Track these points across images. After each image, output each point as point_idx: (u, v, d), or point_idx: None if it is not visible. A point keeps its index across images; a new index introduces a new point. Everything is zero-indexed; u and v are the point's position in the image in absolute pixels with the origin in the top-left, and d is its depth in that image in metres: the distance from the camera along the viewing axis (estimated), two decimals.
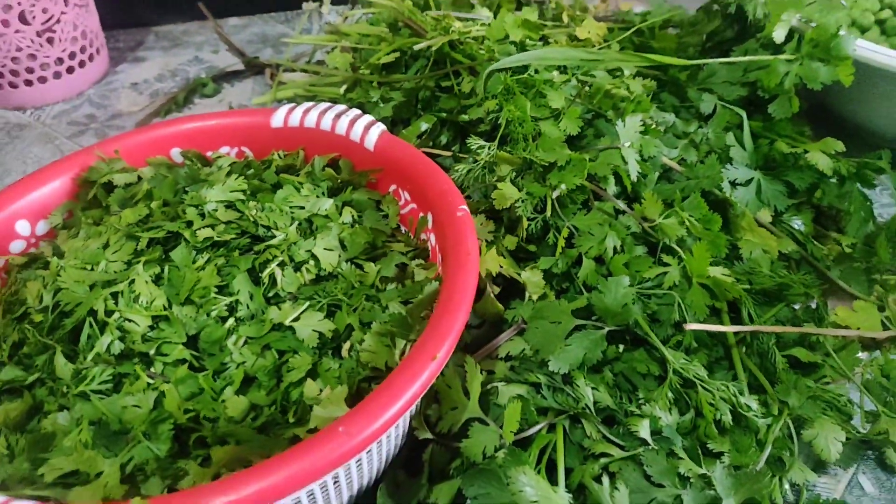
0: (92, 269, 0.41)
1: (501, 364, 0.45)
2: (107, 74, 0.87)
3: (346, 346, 0.41)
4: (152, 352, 0.38)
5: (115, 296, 0.39)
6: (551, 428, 0.42)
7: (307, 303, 0.41)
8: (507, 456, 0.39)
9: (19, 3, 0.74)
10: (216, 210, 0.44)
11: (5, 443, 0.37)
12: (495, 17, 0.70)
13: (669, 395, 0.41)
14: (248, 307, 0.40)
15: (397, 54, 0.67)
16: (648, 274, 0.46)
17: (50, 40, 0.79)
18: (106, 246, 0.42)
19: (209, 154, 0.53)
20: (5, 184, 0.70)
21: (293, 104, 0.53)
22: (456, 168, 0.50)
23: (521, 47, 0.63)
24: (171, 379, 0.38)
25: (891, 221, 0.52)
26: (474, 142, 0.49)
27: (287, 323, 0.40)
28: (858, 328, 0.51)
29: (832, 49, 0.55)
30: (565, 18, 0.70)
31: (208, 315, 0.40)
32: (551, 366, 0.42)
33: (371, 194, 0.49)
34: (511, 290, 0.49)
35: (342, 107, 0.52)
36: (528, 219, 0.48)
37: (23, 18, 0.76)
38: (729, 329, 0.44)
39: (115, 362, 0.38)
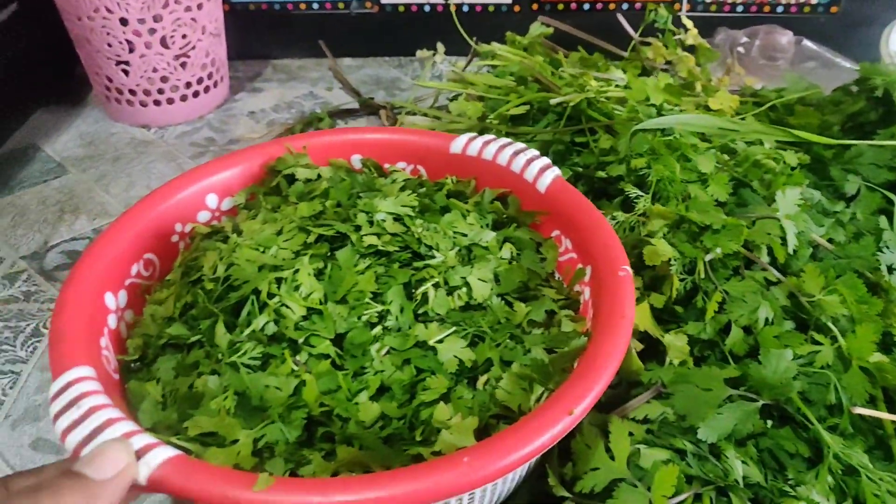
0: (263, 252, 0.43)
1: (639, 426, 0.43)
2: (227, 101, 0.89)
3: (483, 379, 0.41)
4: (301, 340, 0.40)
5: (279, 281, 0.41)
6: (696, 498, 0.40)
7: (453, 328, 0.41)
8: None
9: (163, 28, 0.77)
10: (384, 220, 0.45)
11: (161, 391, 0.40)
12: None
13: (829, 479, 0.39)
14: (396, 319, 0.41)
15: (527, 107, 0.68)
16: (800, 351, 0.44)
17: (183, 65, 0.81)
18: (279, 233, 0.44)
19: (386, 166, 0.54)
20: (130, 196, 0.72)
21: (474, 134, 0.54)
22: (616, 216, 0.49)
23: (660, 111, 0.63)
24: (312, 370, 0.39)
25: None
26: (632, 190, 0.49)
27: (431, 343, 0.40)
28: None
29: None
30: (698, 87, 0.70)
31: (359, 318, 0.40)
32: (700, 433, 0.40)
33: (533, 235, 0.49)
34: (647, 351, 0.48)
35: (521, 145, 0.53)
36: (679, 279, 0.47)
37: (164, 42, 0.79)
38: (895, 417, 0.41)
39: (267, 342, 0.40)
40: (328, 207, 0.46)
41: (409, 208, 0.45)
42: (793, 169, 0.53)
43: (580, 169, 0.59)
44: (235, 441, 0.37)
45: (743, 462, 0.40)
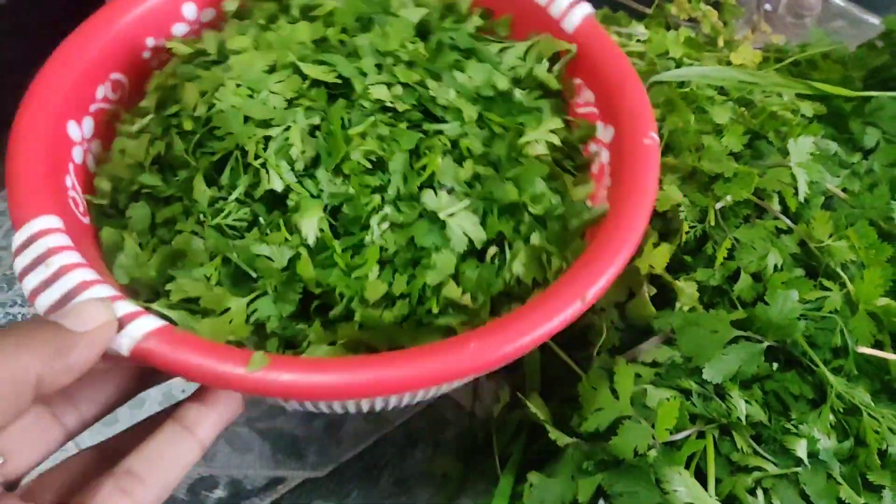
0: (252, 97, 0.38)
1: (647, 369, 0.44)
2: None
3: (492, 251, 0.38)
4: (292, 204, 0.36)
5: (266, 140, 0.37)
6: (699, 436, 0.41)
7: (466, 200, 0.38)
8: (659, 455, 0.39)
9: None
10: (396, 65, 0.40)
11: (137, 240, 0.37)
12: None
13: (831, 418, 0.40)
14: (398, 190, 0.37)
15: None
16: (808, 296, 0.45)
17: None
18: (272, 70, 0.40)
19: None
20: None
21: None
22: None
23: (679, 64, 0.63)
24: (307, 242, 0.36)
25: None
26: None
27: (441, 216, 0.37)
28: None
29: None
30: (720, 42, 0.69)
31: (357, 187, 0.37)
32: (705, 374, 0.41)
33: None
34: (657, 298, 0.48)
35: None
36: (689, 227, 0.48)
37: None
38: None
39: (253, 203, 0.37)
40: (330, 36, 0.41)
41: (424, 55, 0.41)
42: (809, 121, 0.53)
43: None
44: (225, 311, 0.34)
45: (747, 402, 0.41)
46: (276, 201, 0.37)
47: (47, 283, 0.30)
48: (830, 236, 0.45)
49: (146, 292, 0.37)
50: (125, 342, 0.30)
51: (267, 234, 0.36)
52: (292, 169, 0.37)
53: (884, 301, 0.44)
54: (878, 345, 0.45)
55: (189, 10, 0.45)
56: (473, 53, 0.44)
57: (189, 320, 0.34)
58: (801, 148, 0.48)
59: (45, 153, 0.36)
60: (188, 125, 0.38)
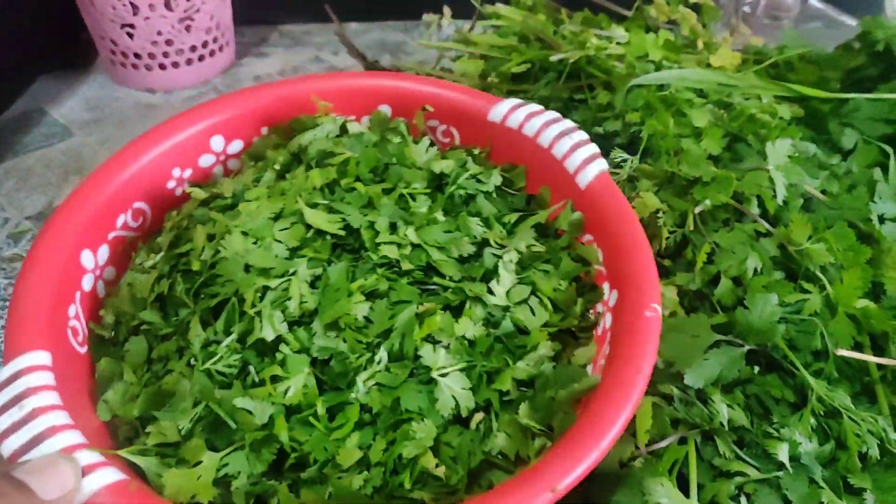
0: (256, 244, 0.39)
1: None
2: (232, 65, 0.90)
3: (478, 417, 0.37)
4: (279, 356, 0.36)
5: (265, 289, 0.38)
6: (682, 442, 0.41)
7: (462, 363, 0.37)
8: (643, 465, 0.38)
9: None
10: (409, 225, 0.41)
11: (131, 378, 0.38)
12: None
13: (812, 421, 0.40)
14: (392, 349, 0.37)
15: (528, 65, 0.68)
16: (788, 299, 0.45)
17: (188, 28, 0.82)
18: (278, 217, 0.40)
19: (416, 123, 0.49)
20: None
21: (520, 101, 0.48)
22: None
23: (658, 67, 0.63)
24: (287, 398, 0.35)
25: None
26: (617, 154, 0.49)
27: (434, 374, 0.36)
28: None
29: None
30: (700, 45, 0.69)
31: (345, 341, 0.37)
32: (687, 379, 0.41)
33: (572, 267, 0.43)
34: None
35: (570, 124, 0.47)
36: (669, 232, 0.48)
37: (168, 5, 0.79)
38: (879, 360, 0.42)
39: (243, 350, 0.37)
40: (343, 185, 0.42)
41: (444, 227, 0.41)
42: (788, 123, 0.53)
43: (578, 124, 0.59)
44: (198, 463, 0.34)
45: (729, 406, 0.41)
46: (267, 349, 0.37)
47: (17, 426, 0.31)
48: (809, 239, 0.45)
49: (126, 430, 0.37)
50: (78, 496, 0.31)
51: (252, 387, 0.36)
52: (285, 320, 0.37)
53: (863, 303, 0.44)
54: (857, 347, 0.45)
55: (217, 143, 0.46)
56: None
57: (159, 468, 0.34)
58: (779, 151, 0.48)
59: (52, 284, 0.37)
60: (195, 266, 0.39)
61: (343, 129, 0.48)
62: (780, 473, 0.39)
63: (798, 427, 0.40)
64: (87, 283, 0.41)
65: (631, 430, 0.40)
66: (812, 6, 0.81)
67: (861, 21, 0.64)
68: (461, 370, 0.37)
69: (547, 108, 0.63)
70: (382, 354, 0.36)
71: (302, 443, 0.35)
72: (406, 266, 0.39)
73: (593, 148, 0.45)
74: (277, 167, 0.45)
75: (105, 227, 0.42)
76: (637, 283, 0.38)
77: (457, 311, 0.39)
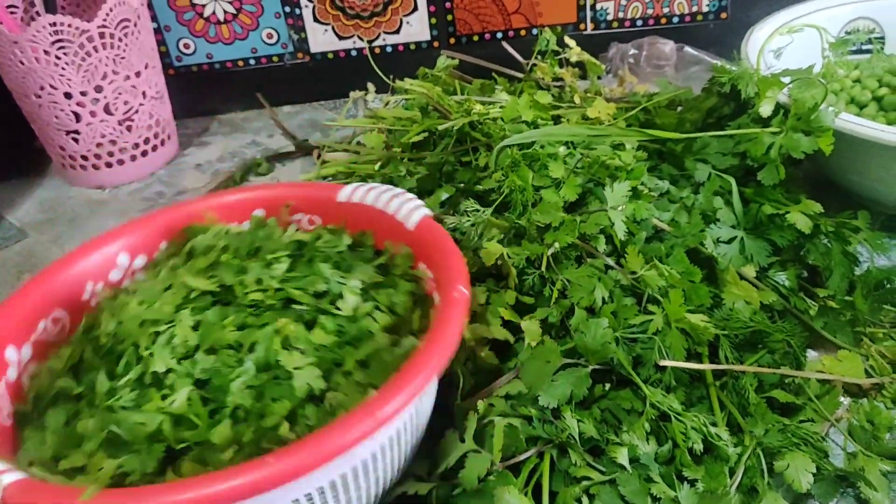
0: (148, 308, 0.47)
1: (501, 400, 0.50)
2: (176, 157, 0.98)
3: (331, 396, 0.44)
4: (168, 382, 0.43)
5: (156, 335, 0.45)
6: (540, 456, 0.47)
7: (313, 358, 0.45)
8: (496, 478, 0.44)
9: (105, 97, 0.86)
10: (271, 279, 0.49)
11: (50, 437, 0.43)
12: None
13: (646, 425, 0.46)
14: (258, 360, 0.44)
15: (426, 134, 0.76)
16: (634, 321, 0.51)
17: (129, 128, 0.90)
18: (168, 288, 0.49)
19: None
20: None
21: (359, 183, 0.60)
22: (449, 223, 0.57)
23: (534, 126, 0.70)
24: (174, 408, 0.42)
25: (865, 275, 0.57)
26: (469, 204, 0.56)
27: (290, 368, 0.44)
28: (843, 376, 0.55)
29: (812, 122, 0.61)
30: (577, 100, 0.77)
31: (223, 363, 0.44)
32: (541, 400, 0.47)
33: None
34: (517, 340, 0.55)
35: (399, 190, 0.58)
36: (527, 273, 0.55)
37: (107, 110, 0.87)
38: (701, 367, 0.48)
39: (139, 386, 0.44)
40: (223, 262, 0.50)
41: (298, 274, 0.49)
42: (630, 168, 0.59)
43: (462, 185, 0.66)
44: (99, 470, 0.40)
45: (580, 421, 0.47)
46: (160, 381, 0.44)
47: None
48: (644, 267, 0.52)
49: (41, 470, 0.43)
50: None
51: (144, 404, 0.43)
52: (174, 356, 0.44)
53: (693, 317, 0.50)
54: (696, 356, 0.52)
55: (123, 259, 0.56)
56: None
57: (63, 481, 0.41)
58: (617, 193, 0.55)
59: None
60: (103, 340, 0.47)
61: (227, 232, 0.57)
62: (618, 474, 0.44)
63: (635, 431, 0.46)
64: (11, 373, 0.48)
65: (489, 449, 0.46)
66: (688, 52, 0.90)
67: (713, 66, 0.72)
68: (312, 364, 0.44)
69: (441, 170, 0.71)
70: (248, 366, 0.44)
71: (186, 440, 0.41)
72: (270, 302, 0.47)
73: (417, 201, 0.56)
74: (171, 264, 0.53)
75: (28, 330, 0.50)
76: (450, 281, 0.47)
77: (311, 325, 0.47)
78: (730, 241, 0.57)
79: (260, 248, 0.52)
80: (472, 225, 0.57)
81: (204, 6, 1.00)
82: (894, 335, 0.58)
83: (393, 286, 0.51)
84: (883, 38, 0.90)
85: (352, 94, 1.08)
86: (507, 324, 0.54)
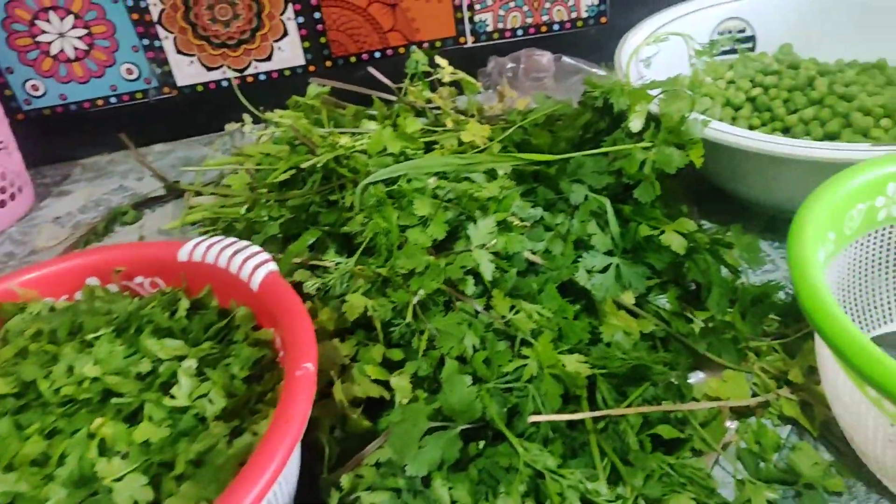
0: None
1: (371, 470, 0.46)
2: (31, 210, 0.90)
3: None
4: None
5: None
6: None
7: (138, 462, 0.40)
8: None
9: None
10: (88, 365, 0.44)
11: None
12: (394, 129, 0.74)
13: (521, 487, 0.43)
14: (71, 475, 0.39)
15: (293, 171, 0.71)
16: (508, 368, 0.48)
17: None
18: None
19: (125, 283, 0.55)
20: None
21: (200, 239, 0.55)
22: (308, 283, 0.52)
23: (405, 157, 0.67)
24: None
25: (742, 291, 0.55)
26: (331, 256, 0.52)
27: (107, 482, 0.39)
28: (729, 398, 0.53)
29: (682, 134, 0.59)
30: (449, 124, 0.74)
31: (28, 483, 0.38)
32: (408, 470, 0.44)
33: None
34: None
35: (244, 244, 0.54)
36: (394, 324, 0.51)
37: None
38: (573, 417, 0.45)
39: None
40: (31, 351, 0.45)
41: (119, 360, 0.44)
42: (500, 198, 0.56)
43: (327, 227, 0.62)
44: None
45: (451, 488, 0.43)
46: None
47: None
48: (512, 309, 0.49)
49: None
50: None
51: None
52: None
53: (569, 360, 0.47)
54: (576, 399, 0.49)
55: None
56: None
57: None
58: (482, 230, 0.51)
59: None
60: None
61: (52, 309, 0.51)
62: None
63: (511, 496, 0.43)
64: None
65: None
66: (566, 62, 0.88)
67: (585, 80, 0.70)
68: (136, 470, 0.39)
69: (308, 210, 0.67)
70: (59, 490, 0.38)
71: None
72: (84, 397, 0.42)
73: (263, 256, 0.52)
74: None
75: None
76: (294, 351, 0.43)
77: (135, 417, 0.42)
78: (605, 269, 0.54)
79: (82, 325, 0.47)
80: (338, 276, 0.53)
81: (50, 44, 0.93)
82: (777, 347, 0.57)
83: (235, 355, 0.46)
84: (753, 37, 0.90)
85: (227, 126, 1.02)
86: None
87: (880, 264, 0.57)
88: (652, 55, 0.72)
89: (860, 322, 0.58)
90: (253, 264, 0.51)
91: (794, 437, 0.53)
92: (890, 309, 0.59)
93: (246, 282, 0.50)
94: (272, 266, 0.51)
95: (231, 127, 1.01)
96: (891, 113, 0.72)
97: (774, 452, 0.51)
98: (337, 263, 0.53)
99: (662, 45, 0.75)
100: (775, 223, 0.74)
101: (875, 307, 0.59)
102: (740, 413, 0.54)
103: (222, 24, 0.94)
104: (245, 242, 0.53)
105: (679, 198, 0.68)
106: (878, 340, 0.57)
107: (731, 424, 0.52)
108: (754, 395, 0.54)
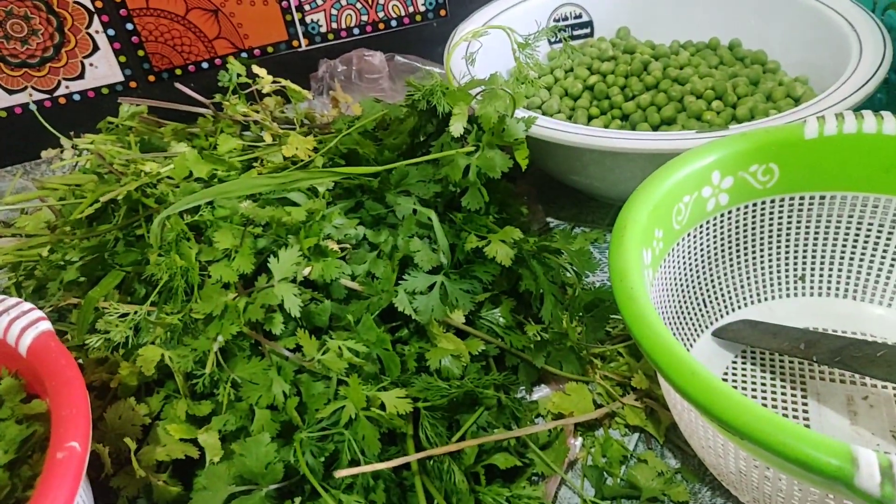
0: None
1: None
2: None
3: None
4: None
5: None
6: None
7: None
8: None
9: None
10: None
11: None
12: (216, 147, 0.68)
13: None
14: None
15: (98, 204, 0.64)
16: (325, 413, 0.43)
17: None
18: None
19: None
20: None
21: None
22: (92, 340, 0.46)
23: (218, 180, 0.61)
24: None
25: (573, 299, 0.52)
26: (114, 309, 0.46)
27: None
28: (572, 412, 0.50)
29: (505, 136, 0.55)
30: (268, 138, 0.68)
31: None
32: None
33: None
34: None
35: (12, 301, 0.46)
36: (197, 375, 0.45)
37: None
38: (383, 466, 0.41)
39: None
40: None
41: None
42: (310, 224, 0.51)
43: (128, 270, 0.56)
44: None
45: None
46: None
47: None
48: (321, 350, 0.44)
49: None
50: None
51: None
52: None
53: (388, 396, 0.43)
54: (402, 436, 0.45)
55: None
56: None
57: None
58: (285, 262, 0.46)
59: None
60: None
61: None
62: None
63: None
64: None
65: None
66: (400, 62, 0.83)
67: (406, 81, 0.66)
68: None
69: (115, 248, 0.60)
70: None
71: None
72: None
73: (34, 314, 0.45)
74: None
75: None
76: (62, 428, 0.37)
77: None
78: (431, 288, 0.50)
79: None
80: (131, 329, 0.47)
81: None
82: (623, 351, 0.55)
83: (2, 434, 0.40)
84: (591, 22, 0.88)
85: (43, 153, 0.93)
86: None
87: (715, 254, 0.56)
88: (475, 51, 0.68)
89: (702, 315, 0.56)
90: (21, 325, 0.44)
91: (641, 445, 0.51)
92: (730, 298, 0.58)
93: (13, 346, 0.44)
94: (44, 326, 0.44)
95: (48, 154, 0.92)
96: (721, 94, 0.72)
97: (621, 465, 0.49)
98: (121, 315, 0.46)
99: (492, 38, 0.72)
100: None
101: (716, 298, 0.57)
102: (589, 426, 0.51)
103: (18, 41, 0.85)
104: (14, 300, 0.46)
105: (518, 198, 0.66)
106: (720, 330, 0.56)
107: (576, 441, 0.50)
108: (600, 405, 0.51)
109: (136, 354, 0.47)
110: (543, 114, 0.75)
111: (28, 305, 0.46)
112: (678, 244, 0.53)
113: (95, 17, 0.86)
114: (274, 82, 0.74)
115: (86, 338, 0.49)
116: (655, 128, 0.72)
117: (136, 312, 0.48)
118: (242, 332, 0.45)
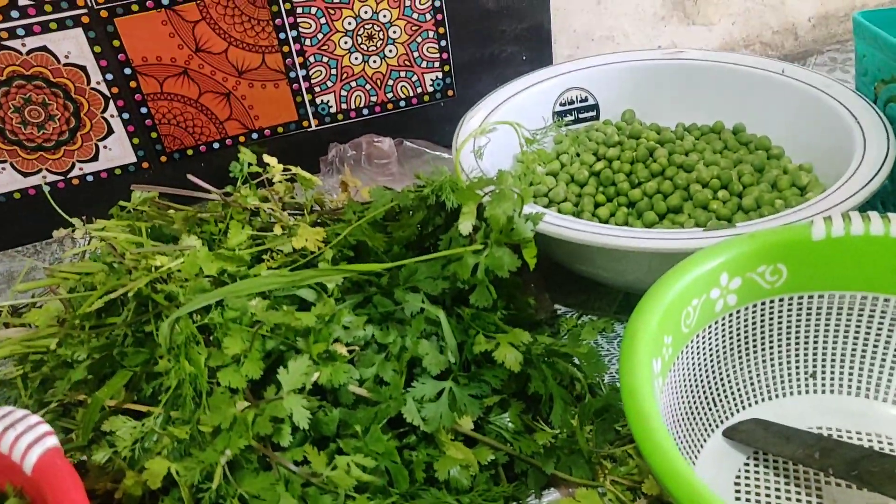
0: None
1: None
2: None
3: None
4: None
5: None
6: None
7: None
8: None
9: None
10: None
11: None
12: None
13: None
14: None
15: (109, 297, 0.64)
16: None
17: None
18: None
19: None
20: None
21: None
22: (97, 455, 0.46)
23: (232, 278, 0.61)
24: None
25: (583, 406, 0.52)
26: (117, 423, 0.46)
27: None
28: None
29: (514, 235, 0.56)
30: (277, 230, 0.69)
31: None
32: None
33: None
34: None
35: (19, 414, 0.45)
36: (203, 490, 0.45)
37: None
38: None
39: None
40: None
41: None
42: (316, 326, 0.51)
43: (137, 369, 0.55)
44: None
45: None
46: None
47: None
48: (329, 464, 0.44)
49: None
50: None
51: None
52: None
53: None
54: None
55: None
56: None
57: None
58: (294, 373, 0.46)
59: None
60: None
61: None
62: None
63: None
64: None
65: None
66: (409, 147, 0.85)
67: (416, 175, 0.66)
68: None
69: (123, 343, 0.60)
70: None
71: None
72: None
73: (41, 429, 0.43)
74: None
75: None
76: None
77: None
78: (439, 395, 0.50)
79: None
80: (137, 441, 0.47)
81: None
82: (632, 453, 0.54)
83: None
84: (596, 105, 0.90)
85: (55, 233, 0.94)
86: None
87: (724, 353, 0.56)
88: (484, 145, 0.69)
89: (712, 414, 0.56)
90: (27, 441, 0.43)
91: None
92: (740, 396, 0.57)
93: (19, 463, 0.43)
94: (50, 442, 0.44)
95: (59, 234, 0.93)
96: (727, 183, 0.72)
97: None
98: (128, 426, 0.46)
99: (488, 139, 0.73)
100: (630, 300, 0.72)
101: (726, 396, 0.57)
102: None
103: (35, 126, 0.86)
104: (21, 412, 0.46)
105: (525, 288, 0.66)
106: (731, 430, 0.56)
107: None
108: None
109: (141, 465, 0.47)
110: (550, 201, 0.76)
111: (35, 419, 0.45)
112: (687, 347, 0.52)
113: (111, 102, 0.87)
114: (285, 170, 0.75)
115: (92, 450, 0.49)
116: (662, 216, 0.72)
117: (143, 423, 0.48)
118: (251, 445, 0.44)
